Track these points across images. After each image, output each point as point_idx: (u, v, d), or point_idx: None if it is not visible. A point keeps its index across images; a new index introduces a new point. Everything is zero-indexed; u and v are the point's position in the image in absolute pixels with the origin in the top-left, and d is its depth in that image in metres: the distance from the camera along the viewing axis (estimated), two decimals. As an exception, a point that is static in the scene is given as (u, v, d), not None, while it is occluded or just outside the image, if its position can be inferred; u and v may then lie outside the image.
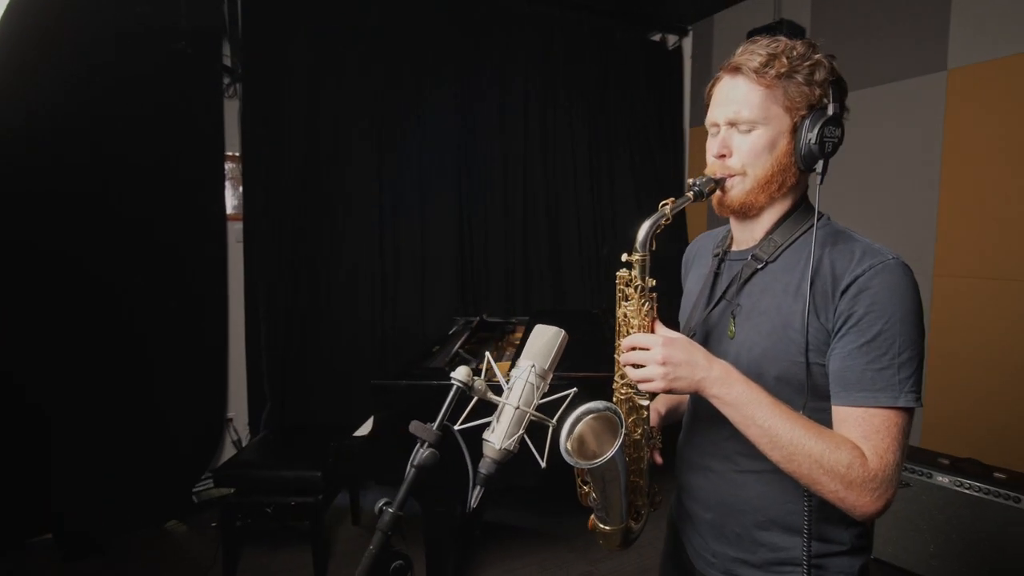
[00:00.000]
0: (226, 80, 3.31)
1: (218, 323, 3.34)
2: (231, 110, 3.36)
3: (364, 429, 2.25)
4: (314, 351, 3.44)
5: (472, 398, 0.82)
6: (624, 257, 0.95)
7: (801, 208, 0.99)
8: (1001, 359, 2.95)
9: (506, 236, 3.99)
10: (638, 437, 1.03)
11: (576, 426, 0.91)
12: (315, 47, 3.39)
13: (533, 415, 0.83)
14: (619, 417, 0.89)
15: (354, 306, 3.54)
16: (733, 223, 1.06)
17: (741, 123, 0.94)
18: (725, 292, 1.02)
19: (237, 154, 3.37)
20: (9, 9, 1.43)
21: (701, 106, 3.96)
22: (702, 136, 4.37)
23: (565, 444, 0.90)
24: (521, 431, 0.82)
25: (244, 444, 3.33)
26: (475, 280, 3.91)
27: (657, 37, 4.56)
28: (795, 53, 0.93)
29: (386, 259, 3.64)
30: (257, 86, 3.30)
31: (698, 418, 1.05)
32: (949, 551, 2.36)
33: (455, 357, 2.39)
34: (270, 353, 3.36)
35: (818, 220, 0.96)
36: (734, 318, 0.99)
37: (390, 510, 0.73)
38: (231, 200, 3.42)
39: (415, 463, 0.75)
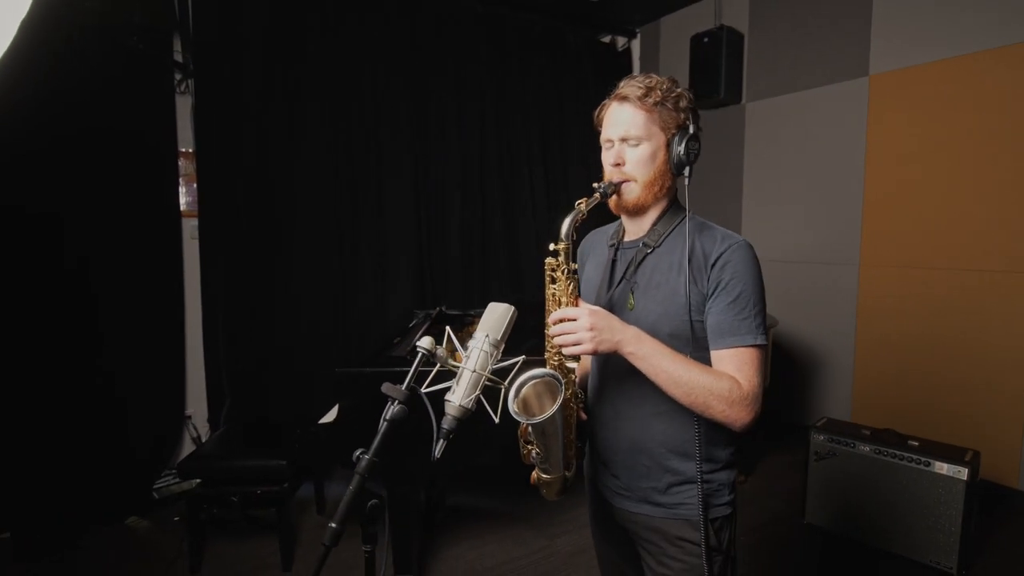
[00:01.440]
0: (177, 76, 3.30)
1: (174, 320, 3.32)
2: (183, 106, 3.35)
3: (329, 417, 2.33)
4: (273, 347, 3.46)
5: (435, 366, 0.93)
6: (552, 246, 1.15)
7: (674, 206, 1.27)
8: (921, 341, 3.26)
9: (464, 231, 4.10)
10: (568, 396, 1.20)
11: (521, 390, 1.06)
12: (267, 42, 3.40)
13: (488, 378, 0.95)
14: (559, 380, 1.06)
15: (313, 301, 3.58)
16: (625, 220, 1.31)
17: (631, 139, 1.20)
18: (624, 273, 1.26)
19: (191, 150, 3.36)
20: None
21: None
22: None
23: (512, 405, 1.04)
24: (477, 392, 0.94)
25: (204, 440, 3.33)
26: (434, 275, 4.00)
27: (607, 39, 4.74)
28: (664, 87, 1.19)
29: (344, 255, 3.69)
30: (209, 82, 3.29)
31: (606, 379, 1.27)
32: (870, 512, 2.60)
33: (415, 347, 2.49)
34: (229, 349, 3.37)
35: (690, 214, 1.23)
36: (632, 293, 1.23)
37: (367, 457, 0.84)
38: (185, 196, 3.40)
39: (387, 417, 0.86)
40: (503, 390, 0.97)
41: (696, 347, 1.17)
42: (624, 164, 1.20)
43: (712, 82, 3.91)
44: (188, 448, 3.35)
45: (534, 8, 4.23)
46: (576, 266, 1.17)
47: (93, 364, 2.93)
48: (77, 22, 2.68)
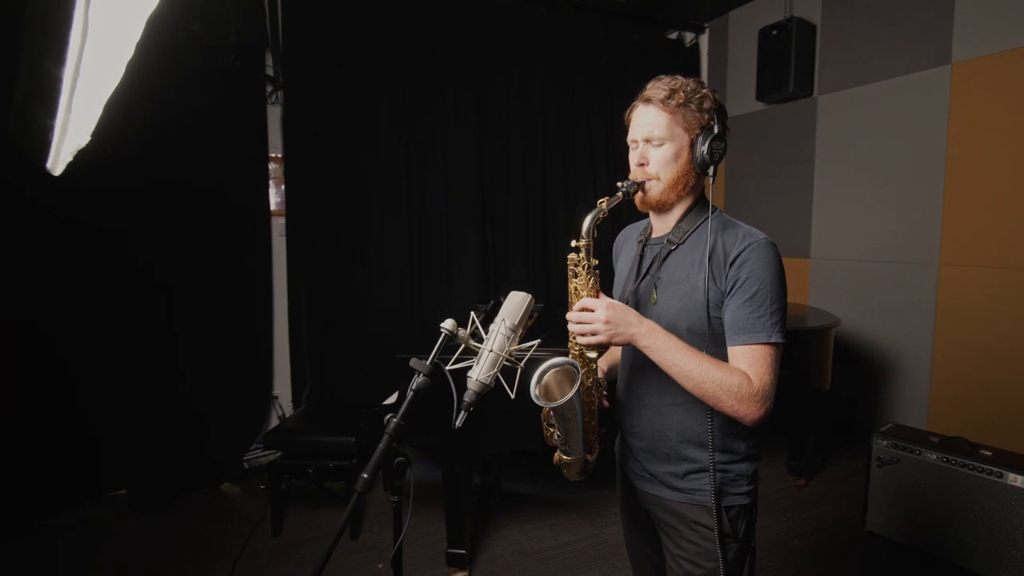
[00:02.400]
0: (269, 88, 3.66)
1: (265, 311, 3.70)
2: (274, 115, 3.70)
3: (391, 399, 2.54)
4: (350, 335, 3.76)
5: (459, 346, 1.08)
6: (573, 243, 1.22)
7: (700, 203, 1.29)
8: (1006, 346, 3.05)
9: (526, 231, 4.24)
10: (589, 385, 1.29)
11: (543, 377, 1.18)
12: (346, 56, 3.70)
13: (506, 359, 1.08)
14: (576, 368, 1.15)
15: (386, 294, 3.85)
16: (652, 216, 1.35)
17: (654, 140, 1.24)
18: (649, 269, 1.32)
19: (280, 155, 3.71)
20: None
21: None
22: None
23: (534, 390, 1.15)
24: (495, 370, 1.07)
25: (287, 417, 3.68)
26: (496, 272, 4.17)
27: (674, 35, 4.71)
28: (689, 88, 1.23)
29: (414, 250, 3.93)
30: (295, 93, 3.63)
31: (634, 370, 1.34)
32: (936, 523, 2.49)
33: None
34: (310, 338, 3.70)
35: (713, 212, 1.26)
36: (656, 288, 1.28)
37: (395, 420, 0.99)
38: (275, 197, 3.76)
39: (413, 388, 1.01)
40: (519, 370, 1.09)
41: (714, 343, 1.21)
42: (648, 164, 1.25)
43: (781, 76, 3.81)
44: (274, 424, 3.71)
45: (598, 9, 4.29)
46: (596, 261, 1.23)
47: (196, 350, 3.32)
48: (183, 45, 3.05)
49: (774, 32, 3.84)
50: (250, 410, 3.64)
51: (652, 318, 1.22)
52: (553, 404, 1.13)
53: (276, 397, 3.80)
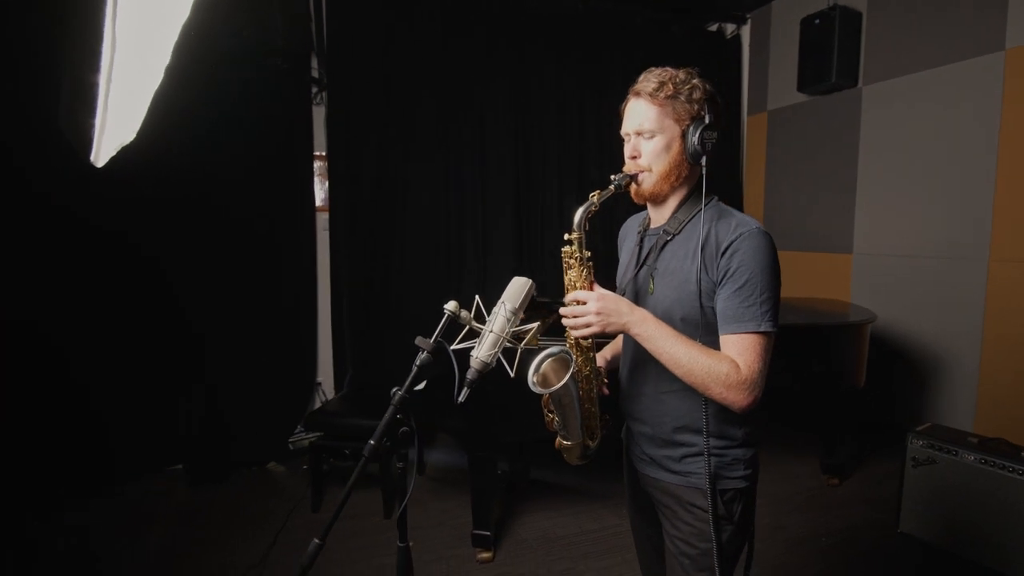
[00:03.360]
0: (314, 89, 3.84)
1: (309, 301, 3.90)
2: (319, 115, 3.89)
3: (422, 385, 2.65)
4: (388, 324, 3.92)
5: (464, 327, 1.16)
6: (565, 236, 1.27)
7: (695, 193, 1.30)
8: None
9: (561, 224, 4.29)
10: (588, 373, 1.34)
11: (541, 366, 1.25)
12: (387, 57, 3.84)
13: (507, 341, 1.16)
14: (570, 356, 1.22)
15: (423, 286, 3.98)
16: (649, 208, 1.38)
17: (644, 132, 1.26)
18: (646, 259, 1.35)
19: (324, 154, 3.90)
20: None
21: (759, 94, 4.21)
22: (758, 125, 4.54)
23: (532, 378, 1.23)
24: (496, 350, 1.14)
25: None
26: (531, 263, 4.24)
27: (714, 27, 4.65)
28: (678, 79, 1.24)
29: (451, 244, 4.06)
30: (339, 94, 3.81)
31: (634, 358, 1.37)
32: (972, 526, 2.42)
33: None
34: (351, 326, 3.88)
35: (709, 202, 1.27)
36: (652, 278, 1.31)
37: (400, 392, 1.09)
38: (319, 193, 3.95)
39: (417, 364, 1.11)
40: (518, 351, 1.17)
41: (707, 332, 1.22)
42: (640, 156, 1.27)
43: (823, 66, 3.72)
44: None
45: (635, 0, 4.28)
46: (588, 254, 1.27)
47: (246, 337, 3.54)
48: (232, 50, 3.26)
49: (817, 21, 3.74)
50: (295, 395, 3.85)
51: (649, 308, 1.26)
52: (548, 391, 1.20)
53: (320, 383, 4.00)
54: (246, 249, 3.53)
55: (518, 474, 3.27)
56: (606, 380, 1.43)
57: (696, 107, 1.24)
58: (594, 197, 1.24)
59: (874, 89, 3.74)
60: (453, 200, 4.06)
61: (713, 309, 1.22)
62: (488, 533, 2.57)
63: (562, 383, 1.19)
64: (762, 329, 1.16)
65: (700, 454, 1.28)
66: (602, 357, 1.49)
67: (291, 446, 3.78)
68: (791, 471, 3.43)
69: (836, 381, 2.91)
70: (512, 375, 1.16)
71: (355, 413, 3.07)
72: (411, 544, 2.72)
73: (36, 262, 2.77)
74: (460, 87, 3.99)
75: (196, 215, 3.34)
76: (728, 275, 1.18)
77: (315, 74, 3.84)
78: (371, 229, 3.91)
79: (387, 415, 1.10)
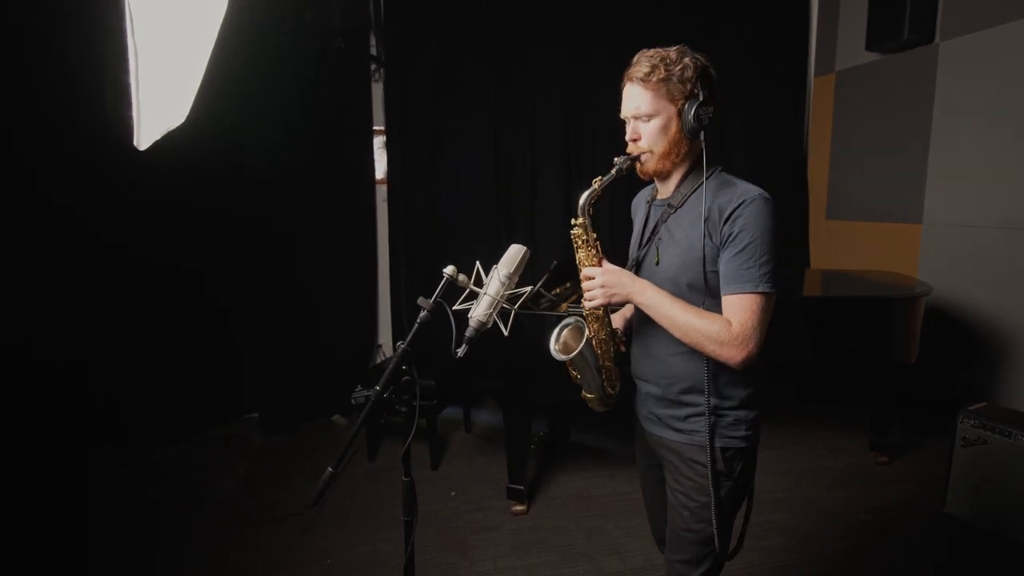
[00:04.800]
0: (373, 67, 4.03)
1: (371, 268, 4.18)
2: (378, 91, 4.08)
3: (461, 350, 2.82)
4: (449, 289, 4.12)
5: (464, 289, 1.29)
6: (572, 221, 1.36)
7: (698, 167, 1.35)
8: None
9: (611, 200, 4.29)
10: (603, 337, 1.44)
11: (560, 336, 1.39)
12: (440, 35, 3.97)
13: (503, 303, 1.27)
14: (583, 324, 1.35)
15: (474, 255, 4.13)
16: (656, 182, 1.44)
17: (641, 116, 1.31)
18: (653, 232, 1.42)
19: (383, 128, 4.10)
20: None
21: (827, 54, 4.03)
22: (825, 87, 4.31)
23: (554, 347, 1.36)
24: (491, 311, 1.27)
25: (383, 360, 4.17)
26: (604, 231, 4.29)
27: (781, -17, 4.40)
28: (669, 61, 1.28)
29: (501, 214, 4.18)
30: (395, 71, 3.98)
31: (642, 324, 1.46)
32: (1021, 509, 2.32)
33: (537, 295, 2.86)
34: (408, 293, 4.12)
35: (712, 173, 1.33)
36: (658, 250, 1.38)
37: (403, 346, 1.24)
38: (379, 166, 4.17)
39: (418, 320, 1.25)
40: (512, 312, 1.29)
41: (711, 296, 1.30)
42: (639, 139, 1.33)
43: (894, 21, 3.46)
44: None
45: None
46: (595, 234, 1.37)
47: (314, 301, 3.85)
48: (294, 31, 3.49)
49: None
50: (358, 354, 4.17)
51: (656, 276, 1.35)
52: (567, 357, 1.33)
53: (380, 345, 4.30)
54: (314, 221, 3.81)
55: (558, 436, 3.41)
56: (623, 339, 1.53)
57: (689, 86, 1.28)
58: (596, 183, 1.32)
59: (953, 45, 3.45)
60: (503, 170, 4.16)
61: (716, 274, 1.28)
62: (521, 487, 2.73)
63: (578, 350, 1.32)
64: (760, 289, 1.22)
65: (702, 414, 1.35)
66: (622, 316, 1.60)
67: (353, 401, 4.11)
68: (837, 446, 3.36)
69: (883, 356, 2.81)
70: (506, 334, 1.28)
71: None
72: (453, 495, 2.94)
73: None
74: (511, 62, 4.06)
75: (265, 192, 3.64)
76: (731, 240, 1.24)
77: (374, 52, 4.01)
78: (426, 200, 4.11)
79: (391, 367, 1.25)
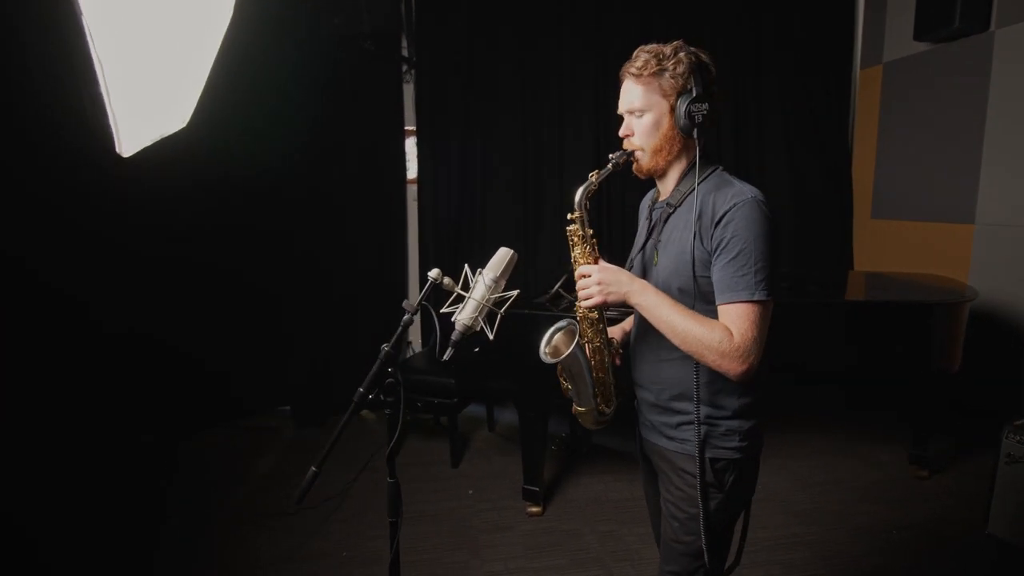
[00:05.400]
0: (404, 68, 4.09)
1: (401, 267, 4.25)
2: (409, 92, 4.14)
3: (447, 353, 2.84)
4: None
5: (452, 293, 1.29)
6: (568, 216, 1.33)
7: (695, 166, 1.29)
8: None
9: (643, 190, 4.21)
10: (598, 344, 1.40)
11: (552, 339, 1.36)
12: (471, 37, 3.99)
13: (490, 307, 1.27)
14: (576, 326, 1.31)
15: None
16: (656, 182, 1.40)
17: (634, 111, 1.29)
18: (651, 231, 1.38)
19: (414, 128, 4.16)
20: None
21: (874, 44, 3.86)
22: (872, 79, 4.11)
23: (544, 349, 1.34)
24: (476, 315, 1.26)
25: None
26: (611, 232, 4.23)
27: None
28: (662, 55, 1.24)
29: (529, 219, 4.17)
30: (425, 72, 4.03)
31: (639, 328, 1.42)
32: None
33: (557, 295, 2.84)
34: (436, 292, 4.16)
35: (711, 172, 1.29)
36: (657, 251, 1.34)
37: (386, 348, 1.25)
38: (411, 166, 4.23)
39: (401, 323, 1.26)
40: (498, 316, 1.28)
41: (703, 301, 1.25)
42: (633, 135, 1.30)
43: (945, 9, 3.25)
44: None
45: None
46: (592, 231, 1.33)
47: (343, 296, 3.95)
48: (325, 35, 3.58)
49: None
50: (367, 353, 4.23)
51: (654, 279, 1.31)
52: (556, 360, 1.30)
53: (410, 342, 4.36)
54: (345, 221, 3.91)
55: (580, 438, 3.39)
56: (619, 351, 1.49)
57: (682, 80, 1.24)
58: (593, 177, 1.30)
59: (1010, 32, 3.21)
60: (532, 169, 4.15)
61: (708, 279, 1.24)
62: (536, 489, 2.72)
63: (568, 352, 1.29)
64: (756, 298, 1.17)
65: (693, 423, 1.30)
66: (621, 330, 1.55)
67: (382, 396, 4.18)
68: (874, 458, 3.20)
69: (923, 364, 2.66)
70: (491, 338, 1.27)
71: (427, 370, 3.34)
72: (471, 492, 2.96)
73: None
74: (541, 60, 4.04)
75: (297, 194, 3.74)
76: (722, 246, 1.19)
77: (405, 53, 4.07)
78: (455, 200, 4.14)
79: (375, 368, 1.26)
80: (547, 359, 1.33)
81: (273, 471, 3.23)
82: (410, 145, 4.19)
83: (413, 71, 4.10)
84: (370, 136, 3.98)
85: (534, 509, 2.74)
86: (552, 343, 1.37)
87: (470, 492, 2.97)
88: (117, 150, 0.92)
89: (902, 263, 3.86)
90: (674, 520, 1.35)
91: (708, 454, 1.29)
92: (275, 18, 3.35)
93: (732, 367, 1.17)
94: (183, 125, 1.11)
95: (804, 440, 3.43)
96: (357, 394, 1.27)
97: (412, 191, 4.23)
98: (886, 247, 4.11)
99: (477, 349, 2.80)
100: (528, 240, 4.19)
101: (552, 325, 1.42)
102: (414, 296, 4.29)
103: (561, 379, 1.48)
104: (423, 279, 4.22)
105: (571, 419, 3.29)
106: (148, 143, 0.98)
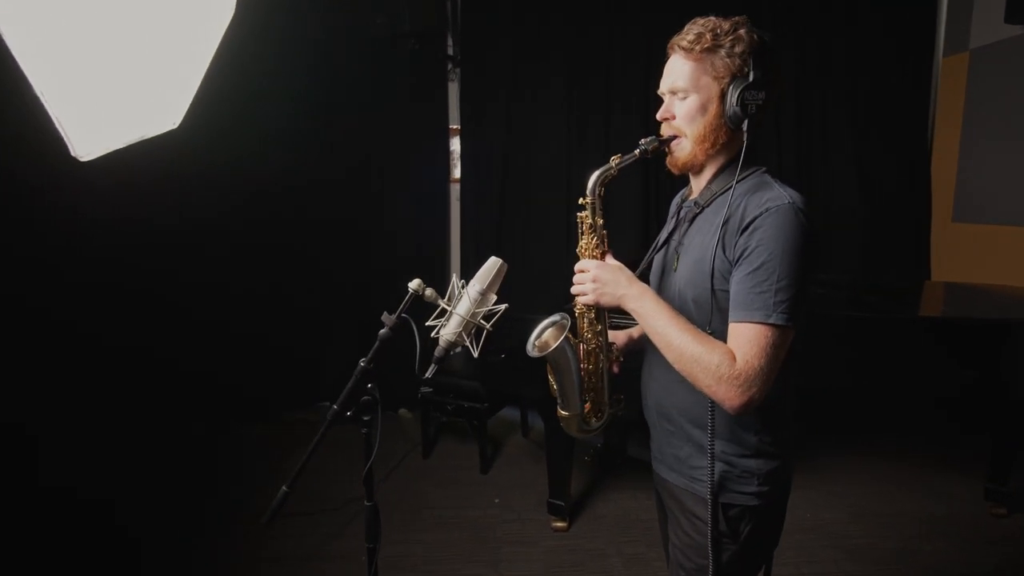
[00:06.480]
0: (449, 66, 4.06)
1: (440, 267, 4.24)
2: (454, 90, 4.11)
3: (429, 371, 2.78)
4: (509, 290, 4.08)
5: (438, 305, 1.22)
6: (580, 201, 1.21)
7: (735, 163, 1.12)
8: None
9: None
10: (595, 347, 1.27)
11: (542, 333, 1.27)
12: (517, 35, 3.91)
13: (477, 321, 1.19)
14: (567, 320, 1.21)
15: (545, 263, 4.05)
16: (691, 177, 1.23)
17: (678, 91, 1.12)
18: (674, 232, 1.24)
19: (458, 127, 4.12)
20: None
21: (959, 29, 3.50)
22: (956, 68, 3.76)
23: (532, 342, 1.26)
24: (461, 329, 1.19)
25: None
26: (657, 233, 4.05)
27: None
28: (720, 31, 1.07)
29: (572, 219, 4.03)
30: (470, 72, 3.99)
31: (646, 340, 1.25)
32: None
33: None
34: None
35: (751, 172, 1.12)
36: (678, 254, 1.19)
37: (363, 364, 1.19)
38: (455, 166, 4.20)
39: (379, 337, 1.20)
40: (484, 331, 1.19)
41: (721, 318, 1.08)
42: (673, 119, 1.14)
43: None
44: (443, 366, 4.28)
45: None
46: (602, 222, 1.21)
47: (387, 293, 3.97)
48: (369, 35, 3.61)
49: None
50: (426, 351, 4.24)
51: (672, 287, 1.18)
52: (541, 354, 1.21)
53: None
54: (388, 221, 3.93)
55: (614, 449, 3.25)
56: (619, 358, 1.35)
57: (738, 61, 1.06)
58: (614, 160, 1.17)
59: None
60: (576, 171, 4.02)
61: (727, 294, 1.08)
62: (562, 503, 2.62)
63: (555, 345, 1.19)
64: (771, 321, 1.00)
65: (707, 457, 1.14)
66: (627, 335, 1.40)
67: (420, 395, 4.19)
68: (946, 490, 2.88)
69: (1002, 389, 2.35)
70: (476, 355, 1.19)
71: (459, 373, 3.30)
72: (497, 501, 2.89)
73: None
74: (588, 59, 3.91)
75: (341, 193, 3.80)
76: (745, 255, 1.03)
77: (451, 51, 4.04)
78: (498, 200, 4.08)
79: (349, 384, 1.21)
80: (533, 353, 1.23)
81: (309, 464, 3.27)
82: (455, 144, 4.17)
83: (458, 70, 4.07)
84: (414, 136, 3.98)
85: (559, 524, 2.64)
86: (543, 337, 1.27)
87: (496, 501, 2.90)
88: (72, 154, 0.92)
89: (987, 273, 3.47)
90: (681, 569, 1.21)
91: (721, 498, 1.14)
92: (315, 18, 3.40)
93: (728, 396, 1.01)
94: (174, 126, 1.10)
95: (861, 465, 3.14)
96: (329, 411, 1.20)
97: (456, 191, 4.21)
98: (969, 254, 3.70)
99: (504, 355, 2.73)
100: (570, 242, 4.06)
101: (544, 320, 1.31)
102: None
103: (551, 379, 1.36)
104: (464, 279, 4.22)
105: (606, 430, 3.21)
106: (125, 144, 0.97)
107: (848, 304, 2.82)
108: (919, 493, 2.87)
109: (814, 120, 3.89)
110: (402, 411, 4.08)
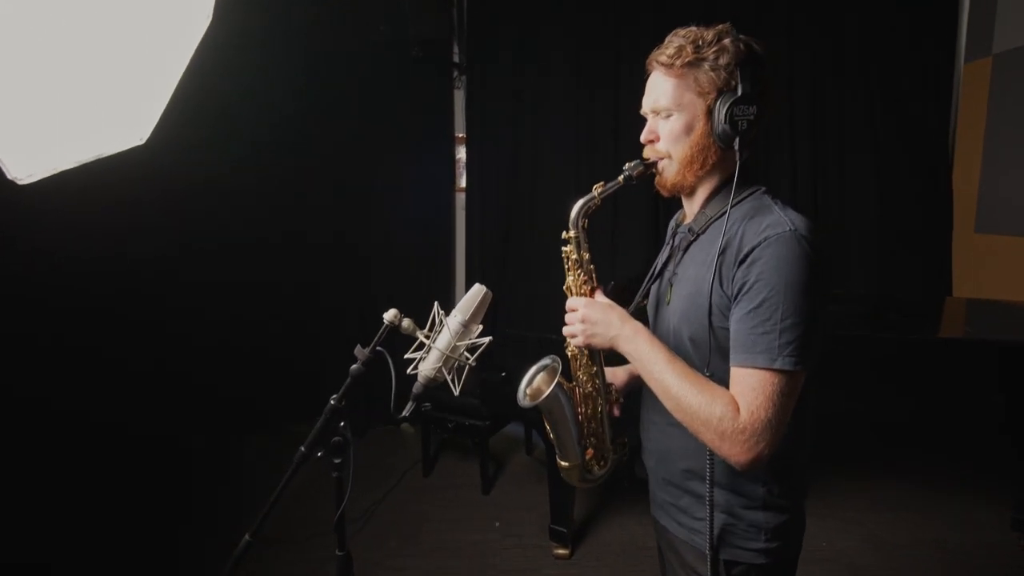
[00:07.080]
0: (455, 73, 3.99)
1: (443, 279, 4.17)
2: (460, 99, 4.04)
3: (407, 409, 2.69)
4: (515, 305, 3.99)
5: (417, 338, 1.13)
6: (563, 235, 1.12)
7: (730, 184, 1.02)
8: None
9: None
10: (590, 390, 1.18)
11: (534, 379, 1.18)
12: (523, 43, 3.85)
13: (459, 356, 1.10)
14: (557, 365, 1.12)
15: (551, 274, 3.95)
16: (683, 199, 1.13)
17: (660, 111, 1.04)
18: (668, 262, 1.14)
19: (464, 136, 4.06)
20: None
21: (982, 34, 3.36)
22: (978, 74, 3.62)
23: (523, 391, 1.17)
24: (441, 364, 1.10)
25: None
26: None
27: (924, -48, 3.69)
28: (702, 42, 0.98)
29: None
30: (476, 79, 3.93)
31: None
32: None
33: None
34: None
35: (749, 193, 1.02)
36: (672, 285, 1.10)
37: (332, 402, 1.10)
38: (460, 174, 4.13)
39: (351, 373, 1.11)
40: (467, 367, 1.10)
41: (720, 357, 0.98)
42: (657, 140, 1.06)
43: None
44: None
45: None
46: (588, 255, 1.12)
47: (389, 305, 3.91)
48: (374, 43, 3.57)
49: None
50: (407, 382, 4.18)
51: (665, 322, 1.09)
52: (532, 403, 1.12)
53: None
54: (391, 230, 3.88)
55: (622, 471, 3.10)
56: (619, 400, 1.25)
57: (724, 75, 0.98)
58: (596, 189, 1.09)
59: None
60: (584, 181, 3.90)
61: (727, 332, 0.98)
62: (564, 529, 2.51)
63: (547, 393, 1.10)
64: (777, 365, 0.90)
65: (704, 507, 1.04)
66: (627, 372, 1.29)
67: (423, 409, 4.11)
68: (973, 518, 2.74)
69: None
70: (456, 393, 1.10)
71: (463, 390, 3.21)
72: (497, 524, 2.78)
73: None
74: (595, 68, 3.83)
75: (344, 203, 3.74)
76: (744, 291, 0.94)
77: (456, 59, 3.98)
78: (504, 210, 4.01)
79: (319, 423, 1.12)
80: (525, 403, 1.14)
81: (303, 482, 3.20)
82: (461, 153, 4.10)
83: (464, 77, 4.01)
84: (418, 144, 3.92)
85: (561, 551, 2.53)
86: (535, 384, 1.18)
87: (496, 524, 2.80)
88: (9, 177, 0.85)
89: (1012, 285, 3.31)
90: None
91: (724, 555, 1.04)
92: (319, 26, 3.36)
93: (734, 454, 0.91)
94: (141, 142, 1.04)
95: (881, 492, 2.99)
96: (297, 454, 1.11)
97: (461, 199, 4.13)
98: (993, 267, 3.54)
99: (504, 374, 2.63)
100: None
101: (536, 364, 1.22)
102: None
103: (545, 425, 1.27)
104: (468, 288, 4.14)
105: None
106: (71, 165, 0.91)
107: (865, 322, 2.69)
108: (942, 521, 2.73)
109: (830, 127, 3.75)
110: (405, 426, 4.00)
